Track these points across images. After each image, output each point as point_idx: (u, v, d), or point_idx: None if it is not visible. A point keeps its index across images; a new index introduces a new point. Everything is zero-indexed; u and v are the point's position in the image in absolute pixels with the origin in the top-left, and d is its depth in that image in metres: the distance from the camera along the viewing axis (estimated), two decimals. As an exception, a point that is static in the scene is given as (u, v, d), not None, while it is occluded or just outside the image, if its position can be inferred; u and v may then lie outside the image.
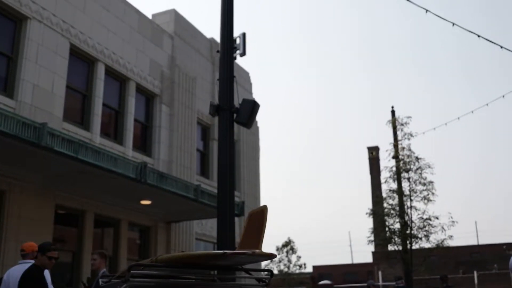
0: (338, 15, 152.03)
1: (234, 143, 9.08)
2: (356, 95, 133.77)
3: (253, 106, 8.93)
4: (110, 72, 15.68)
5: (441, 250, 19.38)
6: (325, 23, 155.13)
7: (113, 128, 15.93)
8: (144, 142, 17.20)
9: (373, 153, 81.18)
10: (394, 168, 19.81)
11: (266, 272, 4.19)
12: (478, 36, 13.19)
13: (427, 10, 12.22)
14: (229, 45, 9.17)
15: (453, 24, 12.79)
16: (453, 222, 18.46)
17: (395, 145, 21.13)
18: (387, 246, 21.89)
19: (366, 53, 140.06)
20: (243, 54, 27.07)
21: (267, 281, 4.22)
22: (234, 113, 9.01)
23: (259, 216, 3.49)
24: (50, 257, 6.03)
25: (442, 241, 18.62)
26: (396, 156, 21.12)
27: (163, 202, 14.88)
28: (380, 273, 54.48)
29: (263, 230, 3.40)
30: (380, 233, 21.05)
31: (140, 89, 16.94)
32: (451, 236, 18.56)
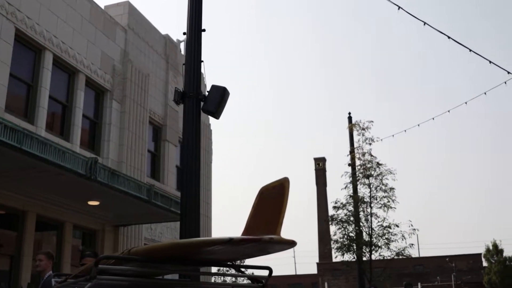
0: (296, 22, 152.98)
1: (200, 135, 8.24)
2: (309, 105, 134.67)
3: (222, 94, 8.13)
4: (58, 63, 14.54)
5: (387, 262, 19.00)
6: (283, 29, 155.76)
7: (59, 122, 14.78)
8: (92, 140, 16.09)
9: (320, 164, 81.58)
10: (356, 174, 19.36)
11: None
12: (448, 37, 12.87)
13: (399, 7, 11.78)
14: (197, 26, 8.36)
15: (424, 23, 12.42)
16: (414, 230, 18.15)
17: (351, 152, 20.75)
18: (331, 258, 21.43)
19: (322, 64, 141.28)
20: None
21: (264, 281, 3.46)
22: (202, 101, 8.19)
23: (277, 191, 2.71)
24: None
25: (404, 249, 18.26)
26: (352, 164, 20.74)
27: (112, 203, 13.84)
28: (326, 284, 54.39)
29: (283, 209, 2.63)
30: (332, 242, 20.57)
31: (90, 83, 15.85)
32: (412, 244, 18.27)
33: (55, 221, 14.06)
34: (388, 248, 18.19)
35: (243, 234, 2.85)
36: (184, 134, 8.22)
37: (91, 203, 13.78)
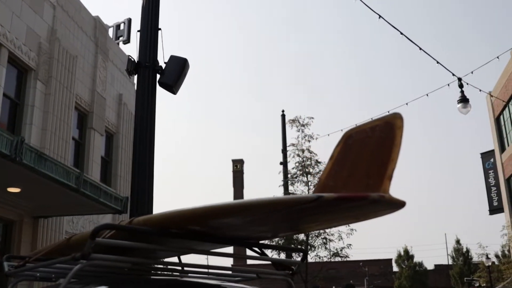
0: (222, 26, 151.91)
1: (155, 111, 7.34)
2: (234, 105, 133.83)
3: (183, 66, 7.30)
4: (-21, 33, 13.07)
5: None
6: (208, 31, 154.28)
7: (-23, 100, 13.28)
8: (13, 122, 14.61)
9: (238, 166, 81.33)
10: (293, 170, 18.88)
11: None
12: (401, 33, 12.61)
13: (357, -4, 11.35)
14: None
15: (380, 16, 12.08)
16: (351, 230, 17.85)
17: (283, 150, 20.34)
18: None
19: (252, 65, 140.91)
20: (127, 41, 24.84)
21: (294, 268, 2.75)
22: (158, 72, 7.31)
23: (381, 133, 1.99)
24: None
25: (342, 249, 17.93)
26: (284, 162, 20.33)
27: (36, 191, 12.52)
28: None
29: (393, 157, 1.91)
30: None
31: (12, 60, 14.39)
32: (350, 244, 17.97)
33: (-33, 209, 12.59)
34: (326, 248, 17.84)
35: (318, 189, 2.12)
36: (137, 109, 7.30)
37: (11, 190, 12.41)
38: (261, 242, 2.63)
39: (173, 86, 7.30)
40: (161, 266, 2.68)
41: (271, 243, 2.86)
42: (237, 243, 2.51)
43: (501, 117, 32.80)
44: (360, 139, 2.04)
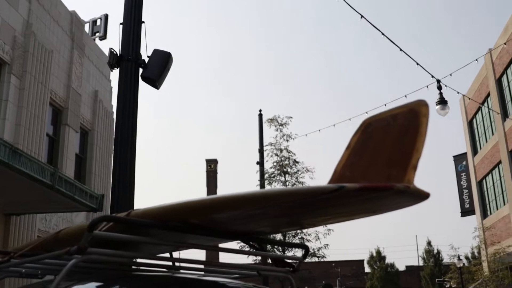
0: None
1: (137, 106, 7.18)
2: (209, 105, 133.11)
3: (166, 60, 7.15)
4: (-48, 25, 12.72)
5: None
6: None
7: (-52, 93, 12.91)
8: (-15, 116, 14.28)
9: (211, 166, 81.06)
10: (271, 170, 18.80)
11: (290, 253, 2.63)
12: (382, 34, 12.63)
13: (339, -4, 11.33)
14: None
15: (362, 16, 12.07)
16: (328, 230, 17.83)
17: (260, 150, 20.27)
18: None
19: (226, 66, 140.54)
20: (103, 37, 24.50)
21: (295, 265, 2.68)
22: (141, 66, 7.15)
23: (404, 121, 1.90)
24: None
25: (319, 249, 17.92)
26: (261, 162, 20.25)
27: (8, 187, 12.21)
28: None
29: (419, 146, 1.83)
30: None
31: (-14, 53, 14.06)
32: (327, 244, 17.97)
33: None
34: (303, 248, 17.76)
35: (334, 180, 2.03)
36: (118, 104, 7.12)
37: (-18, 186, 12.09)
38: (261, 237, 2.55)
39: (156, 80, 7.15)
40: (160, 261, 2.56)
41: (271, 239, 2.76)
42: (240, 238, 2.42)
43: (474, 120, 33.27)
44: (381, 128, 1.95)
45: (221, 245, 2.82)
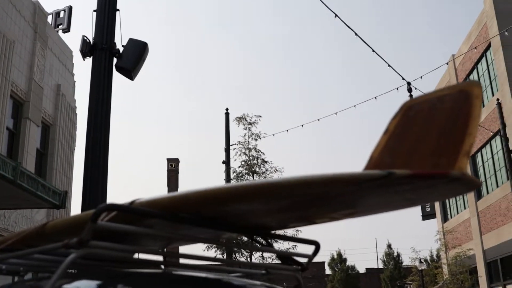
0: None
1: (111, 97, 6.84)
2: (173, 104, 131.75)
3: (142, 50, 6.84)
4: None
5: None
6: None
7: None
8: None
9: (173, 165, 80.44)
10: (239, 169, 18.56)
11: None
12: (356, 34, 12.56)
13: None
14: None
15: (336, 15, 11.96)
16: (297, 231, 17.65)
17: (226, 149, 20.04)
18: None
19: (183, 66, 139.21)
20: (66, 30, 23.86)
21: (304, 263, 2.45)
22: (115, 56, 6.82)
23: (454, 104, 1.68)
24: None
25: (287, 250, 17.70)
26: (227, 161, 20.02)
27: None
28: None
29: (471, 130, 1.62)
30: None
31: None
32: (295, 245, 17.78)
33: None
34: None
35: (370, 166, 1.80)
36: (91, 95, 6.76)
37: None
38: (272, 232, 2.31)
39: (131, 71, 6.84)
40: (159, 258, 2.29)
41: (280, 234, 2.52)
42: (254, 233, 2.17)
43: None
44: (426, 111, 1.73)
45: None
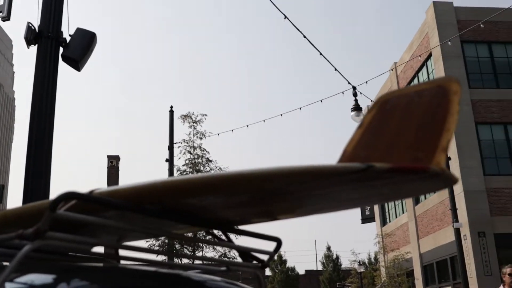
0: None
1: (56, 87, 6.58)
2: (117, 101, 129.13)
3: (90, 41, 6.62)
4: None
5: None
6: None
7: None
8: None
9: (113, 162, 79.19)
10: (183, 168, 18.35)
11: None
12: (304, 36, 12.63)
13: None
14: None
15: (285, 17, 11.99)
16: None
17: (170, 147, 19.84)
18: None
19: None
20: (6, 18, 23.19)
21: (265, 260, 2.39)
22: (61, 45, 6.58)
23: (431, 99, 1.66)
24: None
25: (230, 250, 17.60)
26: (170, 159, 19.83)
27: None
28: None
29: (449, 126, 1.60)
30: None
31: None
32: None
33: None
34: (214, 248, 17.43)
35: (344, 159, 1.75)
36: (35, 85, 6.50)
37: None
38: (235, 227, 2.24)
39: (78, 61, 6.61)
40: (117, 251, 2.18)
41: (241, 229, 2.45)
42: (215, 227, 2.09)
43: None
44: (403, 105, 1.70)
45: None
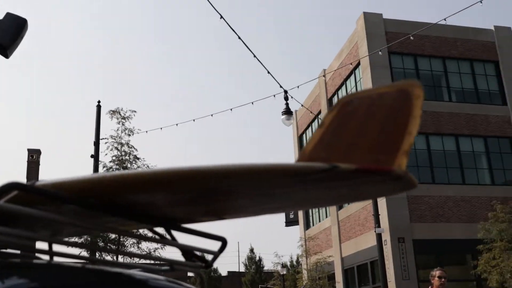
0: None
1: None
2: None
3: (21, 26, 6.29)
4: None
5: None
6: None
7: None
8: None
9: (33, 156, 76.40)
10: (110, 164, 17.89)
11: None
12: (239, 37, 12.62)
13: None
14: None
15: (221, 16, 11.94)
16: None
17: (96, 143, 19.34)
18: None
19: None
20: None
21: (210, 260, 2.34)
22: (-10, 31, 6.25)
23: (396, 103, 1.65)
24: None
25: (155, 250, 17.28)
26: (96, 156, 19.33)
27: None
28: None
29: (412, 130, 1.61)
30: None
31: None
32: (163, 246, 17.45)
33: None
34: (138, 247, 17.09)
35: (304, 157, 1.72)
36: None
37: None
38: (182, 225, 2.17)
39: (6, 48, 6.26)
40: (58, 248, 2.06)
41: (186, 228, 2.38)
42: (161, 225, 2.01)
43: (304, 135, 34.99)
44: (365, 107, 1.69)
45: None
